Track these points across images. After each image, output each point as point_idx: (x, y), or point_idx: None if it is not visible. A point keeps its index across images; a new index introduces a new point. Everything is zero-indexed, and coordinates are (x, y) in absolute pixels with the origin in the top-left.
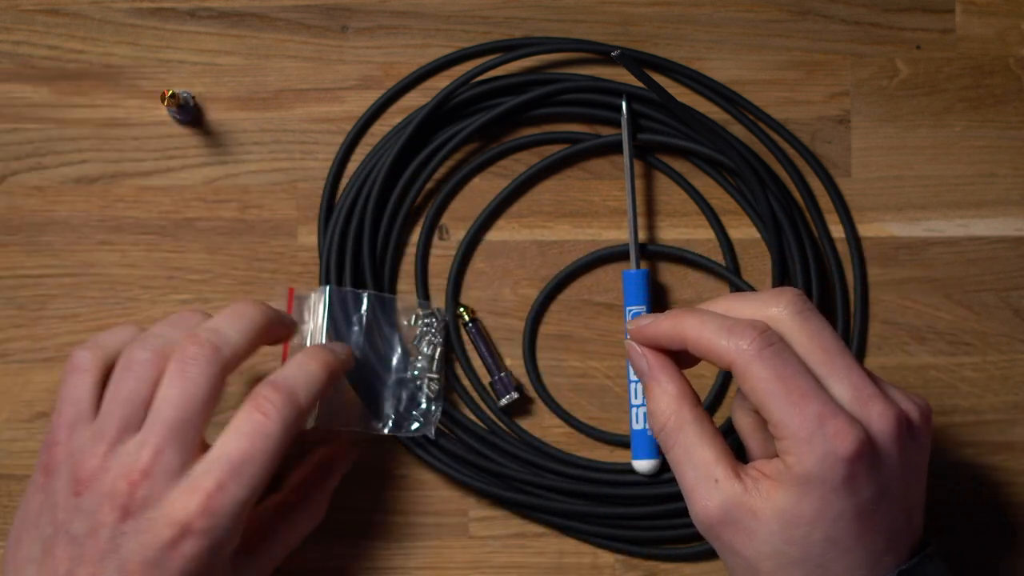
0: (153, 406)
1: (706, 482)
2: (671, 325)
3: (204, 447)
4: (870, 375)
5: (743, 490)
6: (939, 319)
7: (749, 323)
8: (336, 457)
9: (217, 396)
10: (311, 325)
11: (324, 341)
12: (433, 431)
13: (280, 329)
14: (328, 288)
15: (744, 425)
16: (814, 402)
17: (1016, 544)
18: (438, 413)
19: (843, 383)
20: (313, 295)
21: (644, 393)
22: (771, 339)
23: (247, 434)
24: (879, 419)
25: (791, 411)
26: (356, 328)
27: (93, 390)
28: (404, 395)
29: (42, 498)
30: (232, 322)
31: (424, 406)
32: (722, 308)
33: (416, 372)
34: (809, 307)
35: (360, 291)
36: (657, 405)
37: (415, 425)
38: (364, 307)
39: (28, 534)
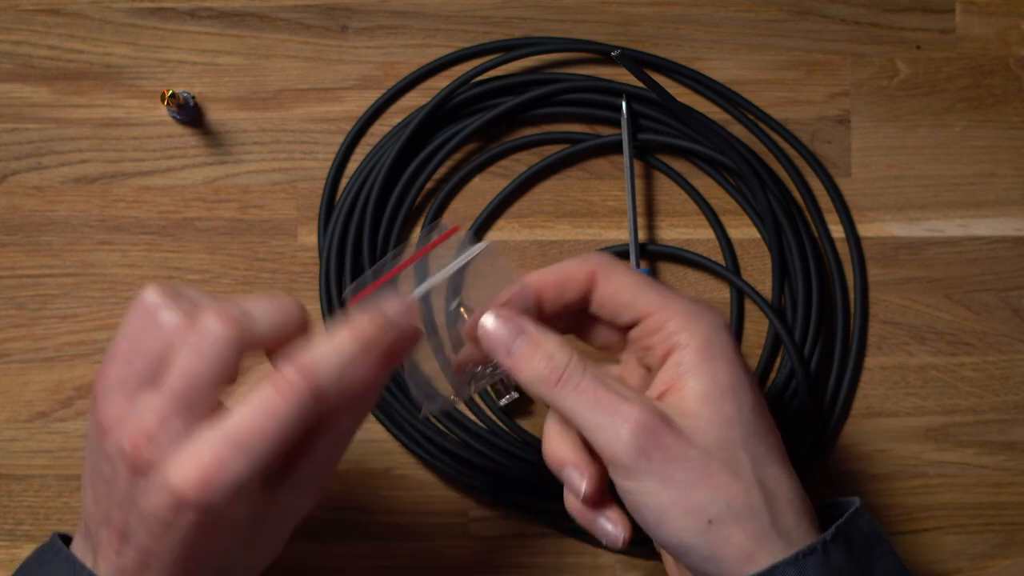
0: (169, 371)
1: (617, 410)
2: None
3: (218, 410)
4: None
5: (654, 398)
6: (939, 319)
7: (559, 360)
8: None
9: (229, 374)
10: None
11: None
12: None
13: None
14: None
15: (568, 442)
16: (671, 292)
17: (1016, 544)
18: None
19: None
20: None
21: (514, 366)
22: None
23: (259, 412)
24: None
25: (660, 299)
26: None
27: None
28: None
29: (89, 424)
30: (266, 309)
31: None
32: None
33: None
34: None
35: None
36: (550, 358)
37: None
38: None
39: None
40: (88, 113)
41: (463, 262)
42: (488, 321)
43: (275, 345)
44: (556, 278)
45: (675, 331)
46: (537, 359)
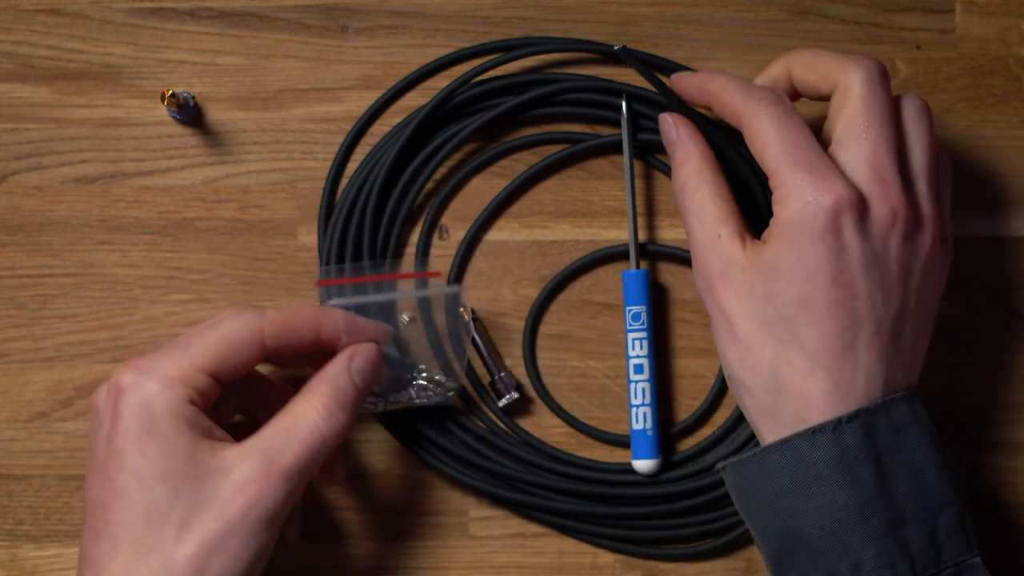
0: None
1: (711, 238)
2: (703, 79)
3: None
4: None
5: (740, 249)
6: (939, 319)
7: (767, 89)
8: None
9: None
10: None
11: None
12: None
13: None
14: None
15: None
16: (809, 155)
17: (1016, 544)
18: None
19: (864, 153)
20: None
21: (671, 159)
22: (783, 101)
23: (205, 326)
24: (880, 201)
25: (784, 159)
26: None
27: None
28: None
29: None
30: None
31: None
32: (810, 53)
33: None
34: (882, 79)
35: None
36: (681, 168)
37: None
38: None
39: None
40: (88, 113)
41: (417, 295)
42: (662, 119)
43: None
44: (697, 88)
45: (777, 200)
46: (675, 165)
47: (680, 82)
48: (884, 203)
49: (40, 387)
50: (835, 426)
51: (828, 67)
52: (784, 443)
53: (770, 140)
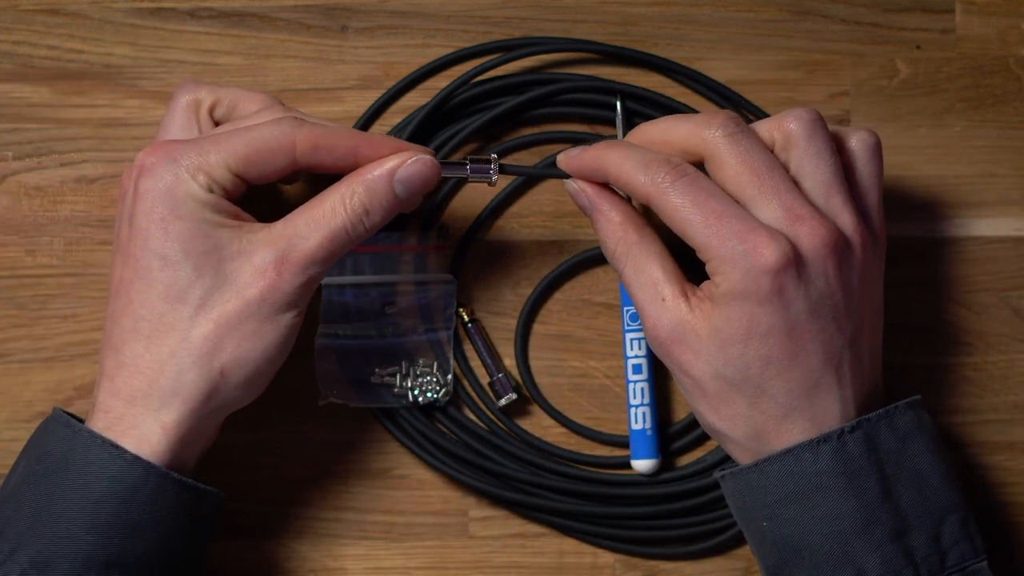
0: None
1: (655, 301)
2: (594, 157)
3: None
4: (809, 196)
5: (688, 309)
6: (939, 319)
7: (664, 158)
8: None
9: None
10: None
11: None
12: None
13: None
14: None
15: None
16: (732, 221)
17: (1016, 544)
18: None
19: (772, 203)
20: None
21: (593, 227)
22: (685, 170)
23: (241, 127)
24: (808, 236)
25: (709, 232)
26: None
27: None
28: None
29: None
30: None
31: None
32: (660, 130)
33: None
34: (741, 129)
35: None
36: (604, 234)
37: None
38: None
39: None
40: (88, 113)
41: (420, 278)
42: (569, 187)
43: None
44: (591, 169)
45: (713, 271)
46: (598, 232)
47: (571, 163)
48: (811, 239)
49: (40, 387)
50: (838, 436)
51: (683, 140)
52: (786, 453)
53: (687, 216)
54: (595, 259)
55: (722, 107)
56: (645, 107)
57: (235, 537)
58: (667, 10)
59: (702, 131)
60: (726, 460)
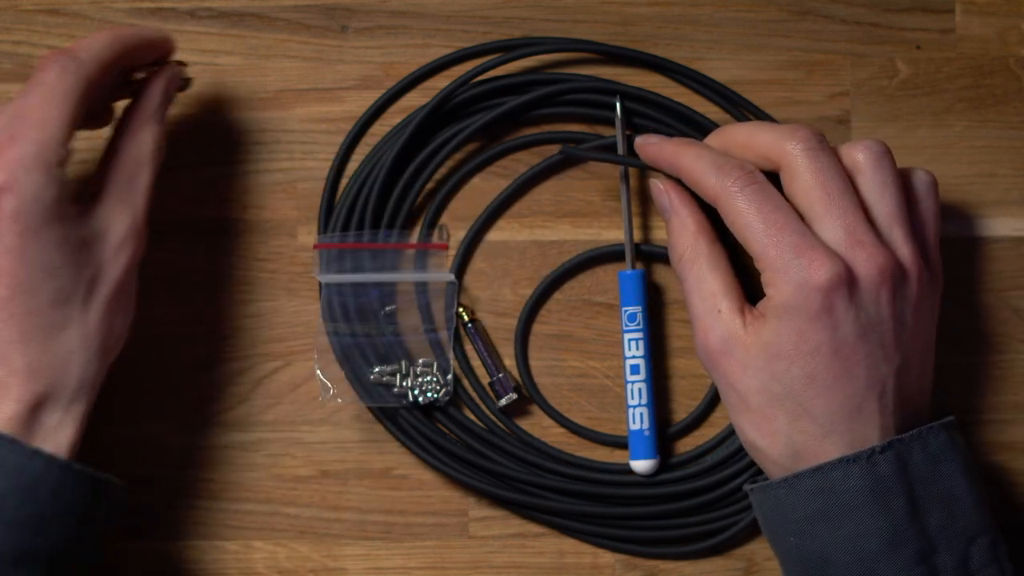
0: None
1: (711, 312)
2: (672, 152)
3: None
4: (876, 222)
5: (740, 324)
6: (939, 319)
7: (738, 163)
8: (155, 82)
9: (76, 99)
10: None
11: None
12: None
13: (152, 47)
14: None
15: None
16: (792, 235)
17: (1016, 545)
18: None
19: (836, 223)
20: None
21: (666, 228)
22: (756, 178)
23: (32, 91)
24: (866, 261)
25: (768, 242)
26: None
27: None
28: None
29: None
30: (95, 37)
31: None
32: (744, 133)
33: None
34: (823, 146)
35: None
36: (676, 238)
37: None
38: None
39: None
40: None
41: (420, 278)
42: (653, 185)
43: (114, 61)
44: (665, 161)
45: (766, 282)
46: (671, 235)
47: (648, 151)
48: (868, 265)
49: None
50: (869, 455)
51: (764, 146)
52: (816, 470)
53: (750, 223)
54: (595, 259)
55: (722, 107)
56: (645, 107)
57: (235, 537)
58: (667, 10)
59: (785, 142)
60: (726, 460)
